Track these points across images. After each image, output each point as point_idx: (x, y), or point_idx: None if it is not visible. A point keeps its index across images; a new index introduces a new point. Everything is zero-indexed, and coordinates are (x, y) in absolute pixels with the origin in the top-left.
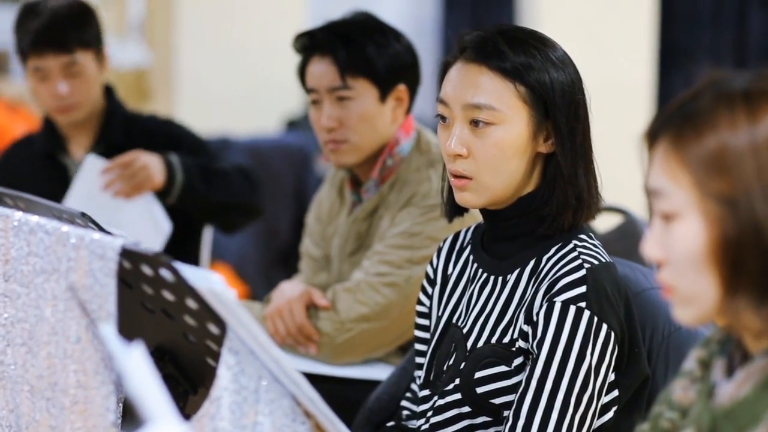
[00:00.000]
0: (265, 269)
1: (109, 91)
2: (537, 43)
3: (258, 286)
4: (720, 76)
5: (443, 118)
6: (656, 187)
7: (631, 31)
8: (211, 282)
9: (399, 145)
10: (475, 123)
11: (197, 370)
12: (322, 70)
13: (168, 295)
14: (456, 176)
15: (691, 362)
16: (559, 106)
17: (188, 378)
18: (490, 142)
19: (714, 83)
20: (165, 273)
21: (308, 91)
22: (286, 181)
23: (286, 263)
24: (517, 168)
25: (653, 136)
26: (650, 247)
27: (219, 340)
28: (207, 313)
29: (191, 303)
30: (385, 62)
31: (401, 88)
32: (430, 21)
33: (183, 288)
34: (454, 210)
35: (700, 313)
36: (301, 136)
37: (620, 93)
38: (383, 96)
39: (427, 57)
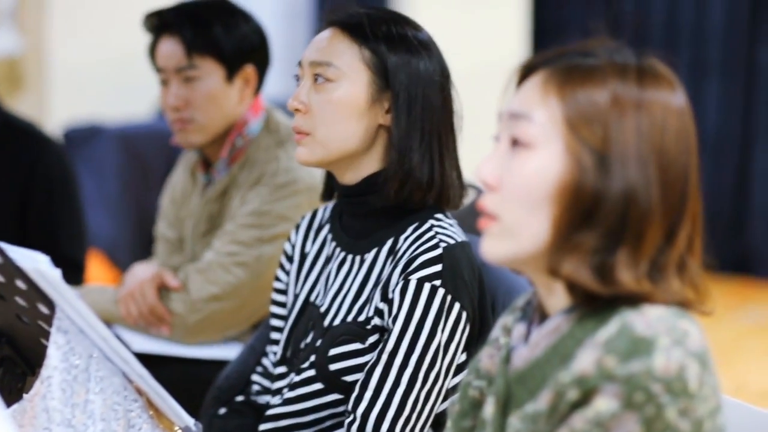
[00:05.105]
0: (137, 254)
1: None
2: (399, 21)
3: None
4: (614, 45)
5: (297, 79)
6: (520, 111)
7: (505, 14)
8: (37, 261)
9: (248, 126)
10: (315, 79)
11: (34, 350)
12: (170, 49)
13: None
14: (296, 132)
15: (497, 330)
16: (401, 79)
17: (25, 359)
18: (327, 98)
19: (609, 50)
20: None
21: (158, 71)
22: (157, 167)
23: None
24: (354, 131)
25: (531, 68)
26: (488, 168)
27: (49, 319)
28: (36, 293)
29: (20, 284)
30: (232, 43)
31: (249, 69)
32: (305, 1)
33: (11, 269)
34: (326, 193)
35: (516, 249)
36: None
37: (495, 75)
38: (230, 76)
39: (301, 38)
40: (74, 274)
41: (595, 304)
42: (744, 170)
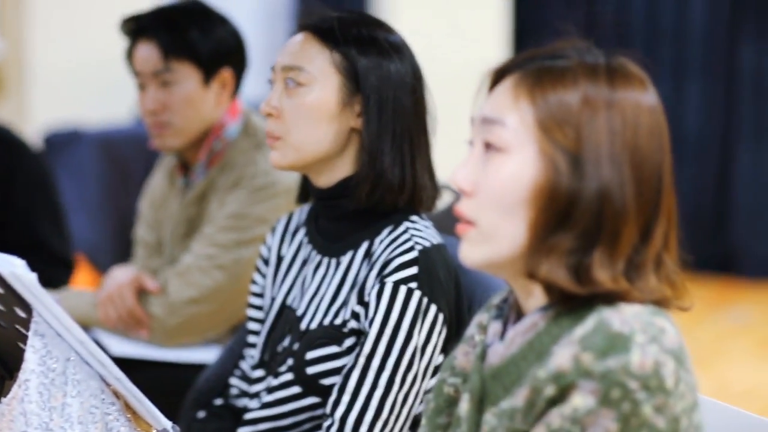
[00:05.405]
0: (118, 257)
1: None
2: (370, 24)
3: None
4: (584, 45)
5: (271, 83)
6: (492, 117)
7: (486, 15)
8: (13, 265)
9: (226, 129)
10: (287, 83)
11: (11, 354)
12: (147, 53)
13: None
14: (268, 136)
15: (472, 327)
16: (372, 82)
17: (3, 363)
18: (298, 102)
19: (579, 51)
20: None
21: (135, 75)
22: (137, 171)
23: None
24: (325, 135)
25: (503, 72)
26: (462, 174)
27: (26, 323)
28: (13, 297)
29: None
30: (208, 46)
31: (226, 73)
32: (284, 3)
33: None
34: (301, 196)
35: (493, 254)
36: None
37: (477, 76)
38: (207, 80)
39: (280, 42)
40: (65, 272)
41: (572, 303)
42: (726, 170)
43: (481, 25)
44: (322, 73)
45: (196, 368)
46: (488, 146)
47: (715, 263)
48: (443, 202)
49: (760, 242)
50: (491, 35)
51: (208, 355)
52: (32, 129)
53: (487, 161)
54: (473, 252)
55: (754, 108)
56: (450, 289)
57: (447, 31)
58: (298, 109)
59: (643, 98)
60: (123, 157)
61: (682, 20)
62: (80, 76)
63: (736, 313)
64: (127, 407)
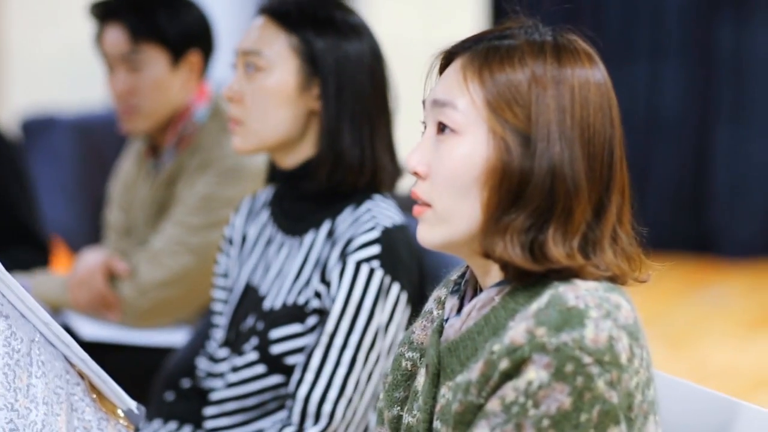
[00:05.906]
0: (94, 241)
1: None
2: (327, 6)
3: None
4: (531, 24)
5: (235, 68)
6: (443, 99)
7: None
8: None
9: (194, 112)
10: (247, 68)
11: None
12: (115, 36)
13: None
14: (230, 121)
15: (430, 302)
16: (329, 64)
17: None
18: (257, 86)
19: (526, 29)
20: None
21: (103, 58)
22: (113, 156)
23: None
24: (284, 118)
25: (452, 54)
26: (416, 157)
27: None
28: None
29: None
30: (176, 29)
31: (194, 56)
32: None
33: None
34: (269, 177)
35: (450, 235)
36: None
37: None
38: (175, 62)
39: (250, 23)
40: (45, 256)
41: (528, 279)
42: (704, 150)
43: (458, 7)
44: (280, 57)
45: (167, 351)
46: (441, 128)
47: (693, 243)
48: (408, 182)
49: (738, 222)
50: (468, 18)
51: (179, 337)
52: (8, 115)
53: (440, 143)
54: (430, 233)
55: (732, 88)
56: (413, 268)
57: (423, 13)
58: (257, 93)
59: (591, 74)
60: (98, 142)
61: (660, 1)
62: (56, 62)
63: (714, 293)
64: (92, 388)
